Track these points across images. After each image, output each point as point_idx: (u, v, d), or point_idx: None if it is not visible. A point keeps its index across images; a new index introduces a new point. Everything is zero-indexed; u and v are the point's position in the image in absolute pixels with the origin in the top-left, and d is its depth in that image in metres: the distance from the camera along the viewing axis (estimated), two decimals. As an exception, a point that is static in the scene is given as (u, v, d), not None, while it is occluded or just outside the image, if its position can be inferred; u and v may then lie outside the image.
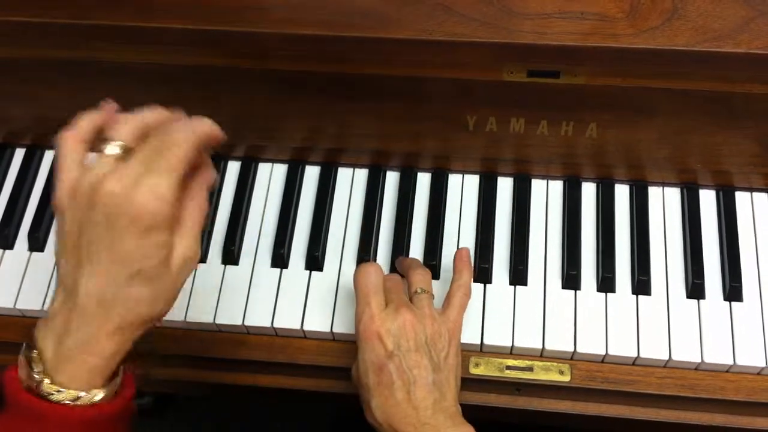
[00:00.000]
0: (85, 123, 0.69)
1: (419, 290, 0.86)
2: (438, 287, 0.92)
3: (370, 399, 0.80)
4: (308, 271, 0.97)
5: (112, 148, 0.65)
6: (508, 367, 0.92)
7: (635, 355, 0.90)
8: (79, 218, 0.64)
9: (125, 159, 0.64)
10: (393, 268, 0.96)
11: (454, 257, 0.91)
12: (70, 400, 0.64)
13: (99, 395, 0.65)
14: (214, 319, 0.94)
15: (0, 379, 0.66)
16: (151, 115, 0.69)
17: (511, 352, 0.93)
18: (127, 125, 0.67)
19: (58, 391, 0.64)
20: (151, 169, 0.62)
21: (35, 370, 0.64)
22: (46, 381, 0.64)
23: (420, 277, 0.88)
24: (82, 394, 0.64)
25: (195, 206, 0.68)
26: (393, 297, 0.84)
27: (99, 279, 0.63)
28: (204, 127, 0.67)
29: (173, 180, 0.63)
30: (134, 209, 0.61)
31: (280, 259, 0.97)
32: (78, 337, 0.64)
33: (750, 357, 0.89)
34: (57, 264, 0.67)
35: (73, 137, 0.68)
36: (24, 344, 0.66)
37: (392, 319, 0.81)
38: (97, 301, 0.63)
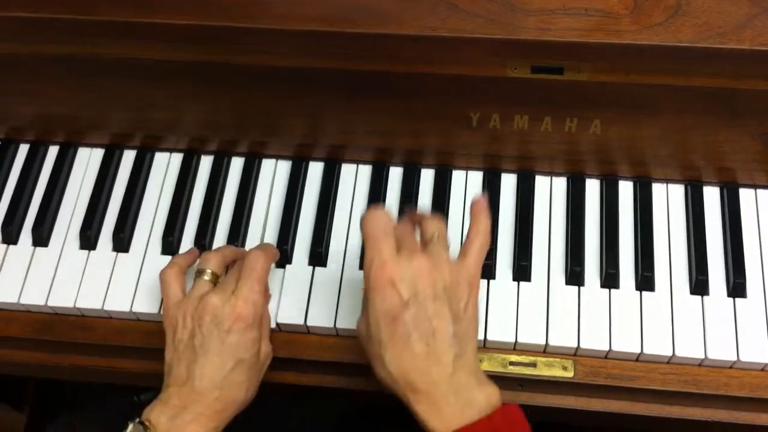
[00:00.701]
0: (181, 260, 0.92)
1: (434, 237, 0.79)
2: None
3: (383, 353, 0.74)
4: (311, 267, 0.97)
5: (208, 275, 0.88)
6: (512, 363, 0.92)
7: (639, 351, 0.90)
8: (189, 325, 0.84)
9: (215, 283, 0.88)
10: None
11: (471, 205, 0.83)
12: None
13: None
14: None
15: None
16: (229, 250, 0.93)
17: (515, 348, 0.93)
18: (214, 259, 0.89)
19: None
20: (243, 284, 0.85)
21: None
22: None
23: (434, 223, 0.81)
24: None
25: (267, 313, 0.90)
26: (406, 242, 0.78)
27: (212, 366, 0.82)
28: (272, 250, 0.92)
29: (259, 290, 0.85)
30: (236, 313, 0.83)
31: (283, 255, 0.97)
32: (191, 412, 0.81)
33: (754, 353, 0.89)
34: (168, 366, 0.85)
35: (174, 271, 0.89)
36: (137, 420, 0.80)
37: (407, 265, 0.74)
38: (209, 382, 0.81)
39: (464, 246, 0.81)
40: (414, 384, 0.72)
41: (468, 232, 0.82)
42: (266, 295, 0.90)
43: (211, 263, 0.89)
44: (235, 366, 0.82)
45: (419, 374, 0.72)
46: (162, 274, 0.90)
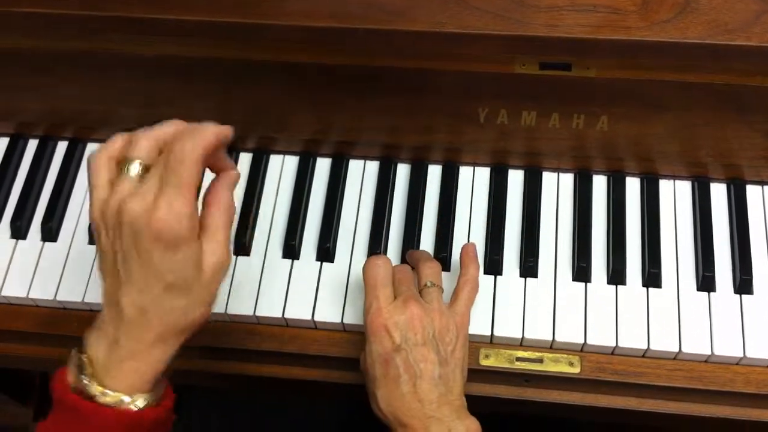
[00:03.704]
0: (116, 142, 0.71)
1: (429, 284, 0.86)
2: (448, 279, 0.93)
3: (376, 390, 0.80)
4: (319, 263, 0.97)
5: (134, 167, 0.68)
6: (518, 359, 0.93)
7: (645, 347, 0.90)
8: (111, 238, 0.69)
9: (145, 176, 0.68)
10: (404, 260, 0.96)
11: (461, 252, 0.91)
12: (115, 404, 0.69)
13: (142, 400, 0.70)
14: (226, 309, 0.94)
15: (50, 381, 0.71)
16: (166, 129, 0.71)
17: (521, 343, 0.93)
18: (145, 142, 0.70)
19: (105, 394, 0.69)
20: (166, 187, 0.66)
21: (85, 372, 0.69)
22: (95, 384, 0.69)
23: (430, 270, 0.88)
24: (127, 398, 0.69)
25: (221, 210, 0.72)
26: (402, 290, 0.85)
27: (137, 293, 0.68)
28: (207, 133, 0.69)
29: (187, 194, 0.66)
30: (155, 228, 0.66)
31: (291, 250, 0.97)
32: (127, 345, 0.69)
33: (760, 349, 0.89)
34: (102, 279, 0.71)
35: (102, 156, 0.70)
36: (74, 350, 0.71)
37: (400, 313, 0.82)
38: (137, 311, 0.68)
39: (455, 292, 0.88)
40: (400, 419, 0.78)
41: (458, 279, 0.89)
42: (216, 190, 0.73)
43: (141, 150, 0.69)
44: (164, 292, 0.68)
45: (405, 410, 0.78)
46: (90, 160, 0.71)
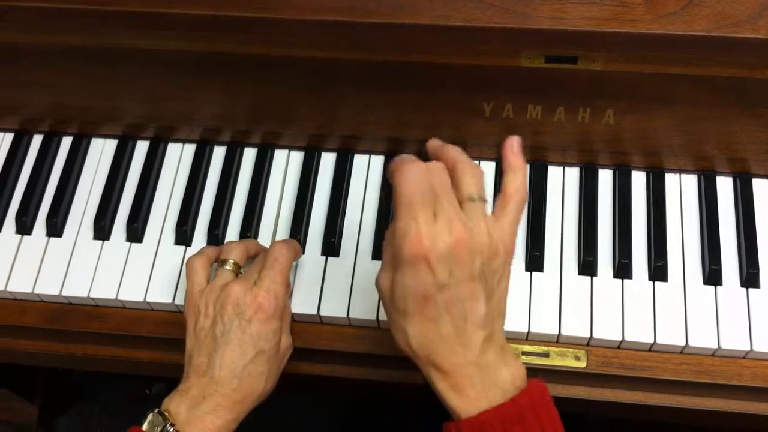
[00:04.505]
0: (210, 250, 0.92)
1: (473, 197, 0.70)
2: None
3: (407, 326, 0.69)
4: (324, 257, 0.97)
5: (230, 264, 0.89)
6: (524, 353, 0.92)
7: (652, 341, 0.90)
8: (211, 314, 0.84)
9: (237, 273, 0.89)
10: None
11: (504, 149, 0.74)
12: None
13: None
14: (231, 304, 0.94)
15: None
16: (252, 243, 0.94)
17: (527, 338, 0.93)
18: (237, 250, 0.91)
19: None
20: (264, 276, 0.86)
21: (168, 422, 0.79)
22: None
23: (472, 178, 0.71)
24: None
25: (288, 309, 0.91)
26: (444, 205, 0.68)
27: (232, 356, 0.82)
28: (296, 245, 0.93)
29: (281, 282, 0.86)
30: (257, 302, 0.83)
31: (296, 245, 0.97)
32: (212, 401, 0.81)
33: (767, 343, 0.89)
34: (189, 355, 0.85)
35: (202, 260, 0.90)
36: (156, 410, 0.81)
37: (444, 240, 0.66)
38: (229, 372, 0.82)
39: (500, 202, 0.73)
40: (438, 364, 0.68)
41: (503, 186, 0.73)
42: (287, 288, 0.89)
43: (234, 254, 0.90)
44: (256, 356, 0.83)
45: (445, 355, 0.68)
46: (189, 261, 0.90)
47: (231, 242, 0.92)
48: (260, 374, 0.84)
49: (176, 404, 0.81)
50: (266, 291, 0.84)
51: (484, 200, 0.71)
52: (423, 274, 0.66)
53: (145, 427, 0.80)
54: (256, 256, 0.92)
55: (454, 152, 0.74)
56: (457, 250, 0.66)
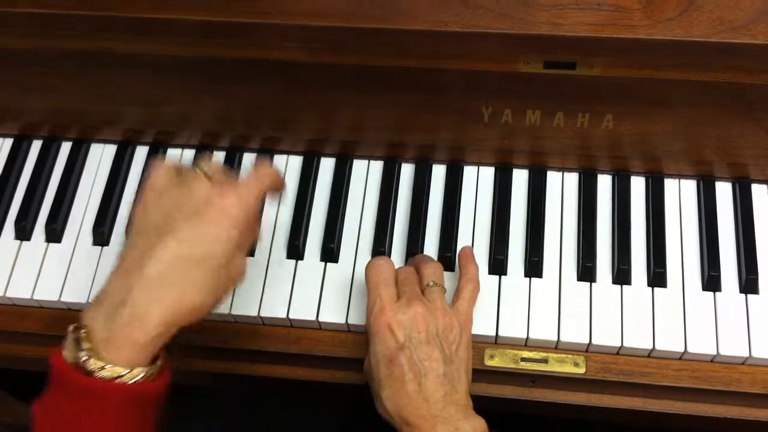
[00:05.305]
0: (171, 160, 0.81)
1: (431, 283, 0.86)
2: (453, 279, 0.92)
3: (381, 391, 0.80)
4: (323, 263, 0.97)
5: (202, 168, 0.77)
6: (523, 359, 0.92)
7: (650, 347, 0.90)
8: (173, 197, 0.74)
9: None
10: (407, 261, 0.96)
11: (459, 255, 0.92)
12: (113, 377, 0.69)
13: (140, 374, 0.70)
14: (230, 309, 0.94)
15: (48, 359, 0.71)
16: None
17: (526, 344, 0.93)
18: (210, 161, 0.79)
19: (102, 368, 0.68)
20: (243, 183, 0.76)
21: (83, 347, 0.69)
22: (93, 359, 0.68)
23: (431, 270, 0.87)
24: (125, 371, 0.69)
25: (251, 232, 0.79)
26: (406, 289, 0.84)
27: (171, 252, 0.71)
28: (276, 172, 0.82)
29: (255, 197, 0.77)
30: (223, 204, 0.73)
31: (295, 251, 0.97)
32: (130, 310, 0.69)
33: (766, 349, 0.89)
34: (127, 244, 0.75)
35: (166, 163, 0.79)
36: (71, 326, 0.71)
37: (403, 311, 0.81)
38: (164, 268, 0.71)
39: (457, 292, 0.88)
40: (406, 417, 0.78)
41: (459, 279, 0.89)
42: (258, 218, 0.80)
43: (205, 163, 0.79)
44: (201, 260, 0.72)
45: (411, 410, 0.78)
46: (154, 166, 0.79)
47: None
48: (195, 283, 0.72)
49: (92, 315, 0.71)
50: (238, 196, 0.75)
51: (441, 287, 0.86)
52: (387, 339, 0.80)
53: (65, 353, 0.70)
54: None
55: (420, 256, 0.94)
56: (415, 319, 0.81)
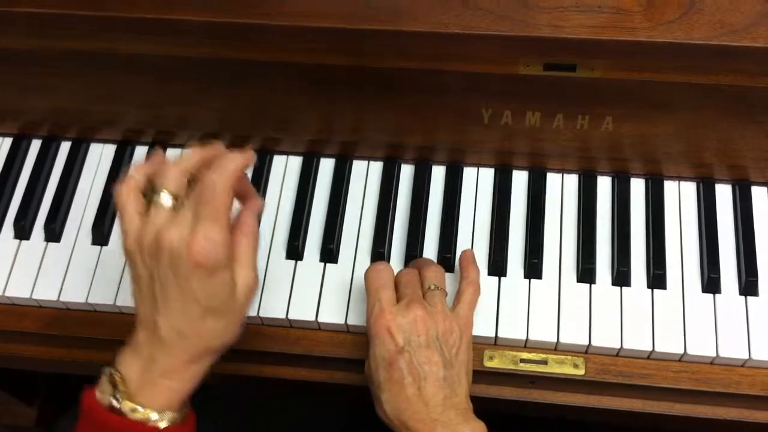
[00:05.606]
0: (137, 174, 0.74)
1: (432, 286, 0.86)
2: (452, 281, 0.92)
3: (381, 394, 0.80)
4: (323, 264, 0.97)
5: (165, 197, 0.72)
6: (523, 360, 0.92)
7: (650, 348, 0.90)
8: (148, 265, 0.72)
9: (176, 207, 0.72)
10: (407, 263, 0.96)
11: (459, 258, 0.92)
12: (143, 420, 0.72)
13: (168, 419, 0.72)
14: (230, 310, 0.94)
15: (80, 397, 0.74)
16: (191, 158, 0.75)
17: (526, 345, 0.93)
18: (172, 173, 0.72)
19: (134, 411, 0.71)
20: (200, 218, 0.69)
21: (118, 390, 0.72)
22: (126, 401, 0.72)
23: (433, 273, 0.88)
24: (156, 416, 0.72)
25: (248, 237, 0.76)
26: (407, 292, 0.84)
27: (175, 317, 0.71)
28: (235, 163, 0.72)
29: (221, 224, 0.70)
30: (194, 257, 0.69)
31: (294, 251, 0.97)
32: (163, 363, 0.72)
33: (766, 351, 0.89)
34: (136, 305, 0.75)
35: (128, 188, 0.74)
36: (107, 368, 0.74)
37: (403, 315, 0.81)
38: (175, 333, 0.72)
39: (457, 295, 0.88)
40: (405, 421, 0.78)
41: (460, 282, 0.89)
42: (227, 226, 0.72)
43: (169, 180, 0.72)
44: (204, 314, 0.72)
45: (411, 413, 0.78)
46: (117, 195, 0.74)
47: (164, 163, 0.74)
48: (213, 332, 0.73)
49: (129, 363, 0.73)
50: (203, 238, 0.68)
51: (442, 290, 0.86)
52: (387, 342, 0.80)
53: (98, 394, 0.73)
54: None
55: (422, 259, 0.94)
56: (415, 322, 0.81)
